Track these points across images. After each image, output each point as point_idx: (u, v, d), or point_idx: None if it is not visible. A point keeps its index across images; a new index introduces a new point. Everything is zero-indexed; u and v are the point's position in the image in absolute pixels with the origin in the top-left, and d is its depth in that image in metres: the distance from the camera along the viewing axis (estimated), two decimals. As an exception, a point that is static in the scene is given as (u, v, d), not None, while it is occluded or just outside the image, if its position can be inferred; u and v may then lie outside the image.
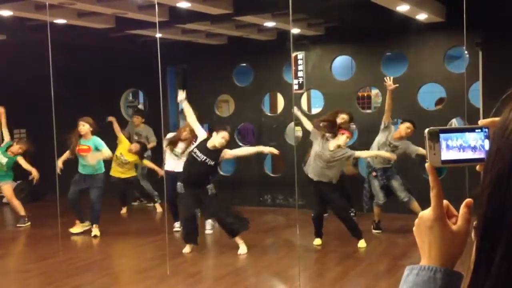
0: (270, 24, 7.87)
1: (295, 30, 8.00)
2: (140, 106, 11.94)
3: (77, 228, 7.64)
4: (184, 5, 6.55)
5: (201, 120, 9.30)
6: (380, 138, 7.30)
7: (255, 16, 7.46)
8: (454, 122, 8.45)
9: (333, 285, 5.51)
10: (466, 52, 7.70)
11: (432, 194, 0.91)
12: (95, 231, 7.47)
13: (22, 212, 8.22)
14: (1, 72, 10.67)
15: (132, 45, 9.28)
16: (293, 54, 6.97)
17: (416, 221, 0.93)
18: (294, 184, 7.34)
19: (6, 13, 6.66)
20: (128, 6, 6.76)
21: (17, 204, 8.26)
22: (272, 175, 9.34)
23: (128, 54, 9.73)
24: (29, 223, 8.23)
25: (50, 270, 6.10)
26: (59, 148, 6.74)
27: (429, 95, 8.91)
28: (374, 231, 7.45)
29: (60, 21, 7.13)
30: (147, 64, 7.51)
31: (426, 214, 0.92)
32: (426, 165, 0.92)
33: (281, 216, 8.35)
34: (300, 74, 7.16)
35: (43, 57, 6.65)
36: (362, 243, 6.70)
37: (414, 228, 0.94)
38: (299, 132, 9.15)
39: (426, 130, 0.92)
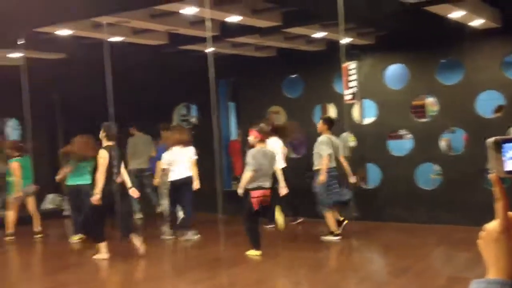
0: (319, 35, 7.85)
1: (346, 40, 7.95)
2: (193, 119, 12.14)
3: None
4: (234, 19, 6.64)
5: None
6: None
7: (304, 27, 7.46)
8: (514, 130, 8.14)
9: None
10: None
11: (498, 205, 0.88)
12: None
13: (11, 226, 8.62)
14: (61, 89, 11.13)
15: (184, 60, 9.47)
16: (344, 64, 6.91)
17: (481, 233, 0.91)
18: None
19: (65, 32, 6.95)
20: (181, 23, 6.92)
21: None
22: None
23: (181, 68, 9.93)
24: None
25: (110, 281, 6.24)
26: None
27: (487, 103, 8.63)
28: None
29: (116, 39, 7.37)
30: (198, 78, 7.64)
31: (492, 226, 0.89)
32: (491, 175, 0.89)
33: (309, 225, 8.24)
34: (352, 84, 7.09)
35: (100, 74, 6.90)
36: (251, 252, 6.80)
37: (479, 241, 0.91)
38: (352, 142, 9.05)
39: (489, 140, 0.89)
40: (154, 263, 7.34)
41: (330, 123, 7.68)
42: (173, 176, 8.01)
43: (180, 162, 8.03)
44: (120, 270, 6.82)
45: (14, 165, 8.58)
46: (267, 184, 6.73)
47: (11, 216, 8.66)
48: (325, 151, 7.33)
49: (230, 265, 6.61)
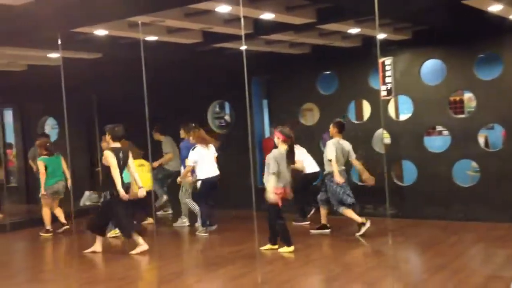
0: (354, 30, 7.78)
1: (381, 36, 7.85)
2: (227, 117, 12.20)
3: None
4: (268, 16, 6.64)
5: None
6: None
7: (339, 23, 7.40)
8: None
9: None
10: None
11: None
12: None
13: (48, 224, 8.90)
14: (98, 88, 11.35)
15: (218, 58, 9.52)
16: (380, 60, 6.82)
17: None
18: (383, 193, 7.17)
19: (102, 32, 7.07)
20: (215, 21, 6.95)
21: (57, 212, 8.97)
22: (360, 183, 9.16)
23: (214, 67, 9.99)
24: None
25: (147, 276, 6.35)
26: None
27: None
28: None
29: (152, 38, 7.46)
30: (232, 76, 7.67)
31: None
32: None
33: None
34: (388, 80, 7.02)
35: (136, 73, 7.00)
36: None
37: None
38: (387, 139, 8.94)
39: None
40: (188, 259, 7.42)
41: (340, 127, 7.86)
42: (203, 174, 8.20)
43: (206, 160, 8.24)
44: (155, 266, 6.92)
45: (39, 163, 8.85)
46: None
47: (46, 213, 8.90)
48: (329, 154, 7.63)
49: (265, 262, 6.62)
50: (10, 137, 13.34)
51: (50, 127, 13.25)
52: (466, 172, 9.20)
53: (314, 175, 8.71)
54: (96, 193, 11.17)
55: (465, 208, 8.28)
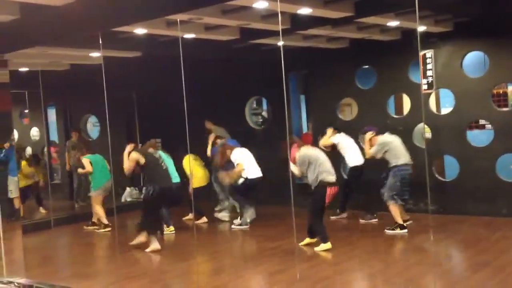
0: (393, 23, 7.65)
1: (422, 28, 7.69)
2: (264, 113, 12.20)
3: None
4: (305, 11, 6.59)
5: (324, 125, 9.32)
6: None
7: (378, 16, 7.29)
8: None
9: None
10: None
11: None
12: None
13: (102, 219, 9.06)
14: (138, 87, 11.53)
15: (256, 54, 9.53)
16: (421, 53, 6.69)
17: None
18: (425, 188, 7.05)
19: (141, 31, 7.18)
20: (252, 17, 6.95)
21: (97, 210, 9.09)
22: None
23: (252, 63, 10.00)
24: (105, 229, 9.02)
25: (187, 272, 6.44)
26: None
27: None
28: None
29: (190, 35, 7.53)
30: (269, 72, 7.66)
31: None
32: None
33: (412, 221, 8.03)
34: (429, 73, 6.88)
35: (175, 70, 7.07)
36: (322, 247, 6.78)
37: None
38: (428, 133, 8.77)
39: None
40: (227, 255, 7.47)
41: None
42: (250, 174, 8.46)
43: (251, 161, 8.50)
44: (195, 263, 7.00)
45: (85, 161, 9.12)
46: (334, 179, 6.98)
47: (100, 210, 9.11)
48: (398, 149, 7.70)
49: (304, 258, 6.61)
50: (54, 135, 13.71)
51: (92, 124, 13.55)
52: (510, 167, 8.94)
53: (357, 169, 8.61)
54: (136, 189, 11.39)
55: (509, 203, 8.05)
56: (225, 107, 10.52)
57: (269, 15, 6.93)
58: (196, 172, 8.92)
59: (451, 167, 8.94)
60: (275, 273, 6.11)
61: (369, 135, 7.94)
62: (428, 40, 8.06)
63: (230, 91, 10.62)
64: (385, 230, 7.56)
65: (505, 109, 9.20)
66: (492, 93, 8.66)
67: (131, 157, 7.48)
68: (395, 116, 9.41)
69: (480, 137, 9.15)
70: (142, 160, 7.46)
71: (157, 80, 10.68)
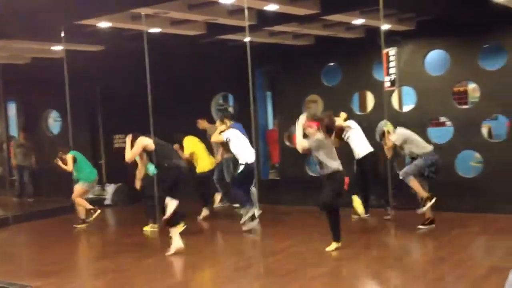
0: (358, 21, 7.75)
1: (386, 26, 7.81)
2: (230, 109, 12.18)
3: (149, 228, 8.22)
4: (272, 7, 6.62)
5: (290, 120, 9.38)
6: None
7: (343, 14, 7.37)
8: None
9: (431, 288, 5.32)
10: None
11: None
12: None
13: (80, 214, 8.84)
14: (101, 81, 11.35)
15: (222, 50, 9.50)
16: (384, 51, 6.80)
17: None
18: (387, 184, 7.17)
19: (105, 24, 7.06)
20: (218, 12, 6.93)
21: (81, 204, 8.88)
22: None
23: (218, 58, 9.97)
24: (84, 225, 8.79)
25: (149, 269, 6.37)
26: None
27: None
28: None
29: (155, 30, 7.45)
30: (236, 68, 7.66)
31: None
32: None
33: (374, 216, 8.16)
34: (392, 71, 7.00)
35: (139, 65, 6.99)
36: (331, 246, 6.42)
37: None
38: (390, 130, 8.90)
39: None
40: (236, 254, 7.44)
41: None
42: (248, 159, 7.94)
43: (247, 144, 8.14)
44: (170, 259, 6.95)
45: (71, 157, 8.91)
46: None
47: (82, 202, 8.94)
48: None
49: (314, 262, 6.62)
50: (14, 131, 13.36)
51: (53, 120, 13.27)
52: (469, 163, 9.19)
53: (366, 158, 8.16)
54: (99, 186, 11.21)
55: (468, 199, 8.26)
56: (191, 102, 10.46)
57: (236, 11, 6.92)
58: (202, 155, 8.82)
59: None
60: (241, 268, 6.08)
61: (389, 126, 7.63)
62: (392, 38, 8.19)
63: (196, 86, 10.57)
64: (419, 227, 7.38)
65: (465, 106, 9.44)
66: (452, 91, 8.87)
67: (140, 143, 6.89)
68: (359, 113, 9.55)
69: (441, 134, 9.36)
70: (152, 146, 6.89)
71: (121, 75, 10.54)
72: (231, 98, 11.97)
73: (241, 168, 7.80)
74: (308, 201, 9.24)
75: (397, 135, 7.54)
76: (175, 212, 6.63)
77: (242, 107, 10.43)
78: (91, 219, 8.79)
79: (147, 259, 6.72)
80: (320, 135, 6.33)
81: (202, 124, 9.65)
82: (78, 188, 8.92)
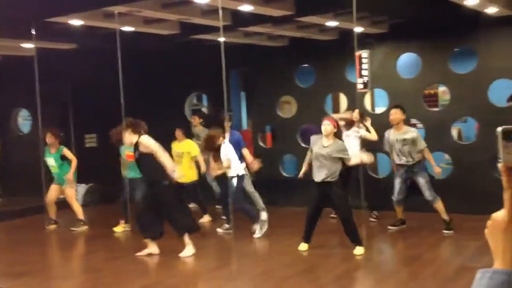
0: (332, 23, 7.81)
1: (359, 29, 7.89)
2: (204, 109, 12.15)
3: (120, 228, 8.07)
4: (246, 8, 6.62)
5: (264, 121, 9.41)
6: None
7: (317, 16, 7.42)
8: (528, 119, 8.05)
9: (401, 288, 5.39)
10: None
11: (506, 195, 0.87)
12: None
13: (80, 216, 8.51)
14: (72, 80, 11.19)
15: (196, 50, 9.47)
16: (357, 53, 6.87)
17: (489, 223, 0.90)
18: (359, 186, 7.24)
19: (77, 22, 6.97)
20: (192, 12, 6.91)
21: (77, 207, 8.58)
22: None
23: (192, 58, 9.94)
24: (85, 227, 8.47)
25: (121, 269, 6.32)
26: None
27: (500, 91, 8.55)
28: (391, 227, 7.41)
29: (128, 28, 7.38)
30: (210, 68, 7.64)
31: (500, 216, 0.88)
32: (500, 165, 0.88)
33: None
34: (364, 73, 7.08)
35: (112, 64, 6.92)
36: (359, 250, 6.22)
37: (486, 231, 0.91)
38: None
39: (500, 129, 0.88)
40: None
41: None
42: (239, 170, 7.47)
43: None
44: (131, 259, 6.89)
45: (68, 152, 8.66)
46: None
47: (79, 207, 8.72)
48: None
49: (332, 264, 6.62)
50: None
51: (23, 118, 13.02)
52: (439, 165, 9.33)
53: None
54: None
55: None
56: (164, 102, 10.39)
57: (210, 11, 6.91)
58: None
59: (385, 164, 9.23)
60: (213, 269, 6.07)
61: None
62: (365, 40, 8.28)
63: (170, 86, 10.51)
64: (389, 227, 7.42)
65: (435, 109, 9.59)
66: (423, 94, 9.01)
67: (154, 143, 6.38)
68: (332, 115, 9.61)
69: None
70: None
71: (93, 74, 10.41)
72: (205, 98, 11.94)
73: (234, 180, 7.33)
74: (281, 201, 9.29)
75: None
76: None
77: (216, 107, 10.41)
78: (77, 229, 8.48)
79: (119, 260, 6.66)
80: None
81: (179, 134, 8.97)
82: (71, 191, 8.65)
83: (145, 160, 6.29)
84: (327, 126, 6.33)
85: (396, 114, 7.26)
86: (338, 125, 6.51)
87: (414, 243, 6.84)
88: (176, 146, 8.33)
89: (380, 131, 8.82)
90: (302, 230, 6.58)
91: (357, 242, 6.25)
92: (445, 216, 7.15)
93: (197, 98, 12.03)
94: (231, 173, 7.26)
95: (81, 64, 10.00)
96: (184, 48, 9.39)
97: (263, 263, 6.36)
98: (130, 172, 7.70)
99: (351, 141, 7.71)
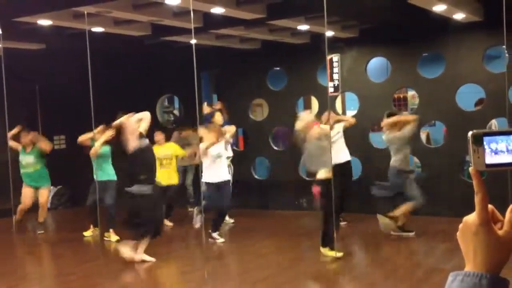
0: (303, 27, 7.85)
1: (330, 33, 7.96)
2: (176, 112, 12.07)
3: (90, 232, 7.88)
4: (218, 10, 6.61)
5: (235, 124, 9.39)
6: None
7: (288, 19, 7.46)
8: (494, 123, 8.24)
9: (371, 289, 5.45)
10: (506, 51, 7.51)
11: (477, 199, 0.88)
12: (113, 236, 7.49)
13: (41, 219, 8.33)
14: (41, 80, 10.99)
15: (167, 52, 9.41)
16: (328, 57, 6.93)
17: (460, 226, 0.91)
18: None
19: (45, 22, 6.85)
20: (164, 13, 6.86)
21: (45, 212, 8.40)
22: (308, 178, 9.29)
23: (163, 60, 9.87)
24: (42, 231, 8.33)
25: (90, 273, 6.22)
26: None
27: (468, 96, 8.73)
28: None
29: (98, 29, 7.29)
30: (182, 70, 7.59)
31: (471, 219, 0.89)
32: (470, 169, 0.89)
33: (317, 219, 8.28)
34: (335, 76, 7.16)
35: (81, 65, 6.82)
36: (330, 253, 6.17)
37: (457, 233, 0.92)
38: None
39: (470, 133, 0.90)
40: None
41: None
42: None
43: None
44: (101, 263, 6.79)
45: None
46: None
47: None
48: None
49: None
50: None
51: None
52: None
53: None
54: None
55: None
56: (135, 104, 10.25)
57: (182, 13, 6.87)
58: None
59: (356, 167, 9.32)
60: (185, 272, 6.02)
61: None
62: (335, 44, 8.36)
63: (141, 88, 10.40)
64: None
65: (404, 112, 9.73)
66: (393, 98, 9.13)
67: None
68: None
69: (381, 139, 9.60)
70: None
71: (62, 74, 10.24)
72: (176, 101, 11.86)
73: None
74: (253, 204, 9.28)
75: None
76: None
77: (188, 110, 10.36)
78: (43, 231, 8.35)
79: (88, 263, 6.55)
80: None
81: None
82: (47, 192, 8.45)
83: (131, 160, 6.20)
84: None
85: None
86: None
87: (384, 245, 6.92)
88: (159, 150, 7.88)
89: (350, 133, 8.91)
90: (274, 232, 6.58)
91: (326, 245, 6.25)
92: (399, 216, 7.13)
93: (168, 100, 11.94)
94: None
95: (49, 65, 9.82)
96: (155, 50, 9.31)
97: (236, 266, 6.34)
98: (102, 175, 7.53)
99: (340, 144, 7.71)
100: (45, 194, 8.40)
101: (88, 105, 6.26)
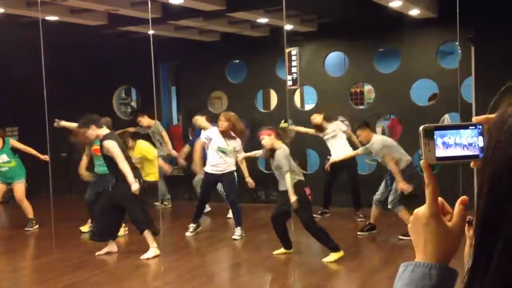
0: (263, 20, 7.87)
1: (288, 26, 8.00)
2: (133, 103, 11.90)
3: (87, 227, 7.61)
4: (176, 1, 6.54)
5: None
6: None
7: (248, 12, 7.45)
8: (447, 118, 8.48)
9: (327, 280, 5.53)
10: (459, 47, 7.73)
11: (427, 191, 0.91)
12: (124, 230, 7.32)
13: (30, 215, 7.98)
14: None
15: (125, 42, 9.25)
16: (287, 50, 6.96)
17: (411, 218, 0.94)
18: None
19: (-3, 10, 6.62)
20: (121, 3, 6.74)
21: (27, 205, 8.01)
22: (266, 171, 9.34)
23: (121, 51, 9.69)
24: (37, 226, 7.98)
25: (43, 268, 6.08)
26: (52, 146, 6.71)
27: (421, 91, 8.95)
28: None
29: (52, 18, 7.09)
30: (139, 61, 7.48)
31: (421, 211, 0.92)
32: (421, 162, 0.92)
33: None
34: (293, 70, 7.21)
35: (35, 54, 6.62)
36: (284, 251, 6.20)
37: (409, 225, 0.94)
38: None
39: (421, 128, 0.92)
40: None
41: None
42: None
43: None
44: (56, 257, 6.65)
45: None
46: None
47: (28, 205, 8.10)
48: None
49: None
50: None
51: None
52: (365, 161, 9.65)
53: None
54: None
55: (364, 195, 8.65)
56: (91, 95, 10.07)
57: (139, 2, 6.76)
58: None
59: (315, 160, 9.44)
60: (140, 266, 5.97)
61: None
62: (294, 38, 8.41)
63: (97, 79, 10.19)
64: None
65: (361, 107, 9.90)
66: (350, 92, 9.27)
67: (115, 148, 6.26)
68: (263, 111, 9.70)
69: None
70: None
71: (14, 64, 9.92)
72: (134, 92, 11.69)
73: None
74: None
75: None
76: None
77: (145, 102, 10.22)
78: (30, 229, 7.91)
79: (40, 259, 6.40)
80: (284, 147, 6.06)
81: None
82: (22, 187, 8.00)
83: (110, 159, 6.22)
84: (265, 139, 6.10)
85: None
86: (277, 133, 6.22)
87: (339, 237, 7.01)
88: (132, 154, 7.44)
89: (309, 127, 8.99)
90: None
91: (284, 245, 6.22)
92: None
93: (125, 92, 11.75)
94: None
95: (1, 54, 9.49)
96: (112, 40, 9.13)
97: (193, 259, 6.32)
98: (99, 168, 7.25)
99: (339, 140, 7.77)
100: (19, 188, 8.03)
101: (41, 96, 6.09)
